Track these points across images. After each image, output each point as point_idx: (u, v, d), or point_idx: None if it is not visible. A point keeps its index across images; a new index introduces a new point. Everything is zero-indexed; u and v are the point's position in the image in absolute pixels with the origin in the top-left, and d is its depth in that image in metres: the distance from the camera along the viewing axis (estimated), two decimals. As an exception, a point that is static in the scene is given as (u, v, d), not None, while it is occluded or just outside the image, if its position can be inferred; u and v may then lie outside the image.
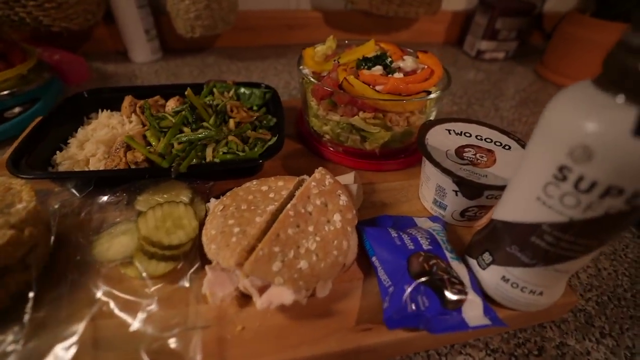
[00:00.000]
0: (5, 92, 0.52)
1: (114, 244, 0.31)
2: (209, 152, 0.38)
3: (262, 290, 0.28)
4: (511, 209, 0.24)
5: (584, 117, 0.17)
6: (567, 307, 0.32)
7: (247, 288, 0.28)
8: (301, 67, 0.43)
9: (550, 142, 0.19)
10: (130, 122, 0.44)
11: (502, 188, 0.31)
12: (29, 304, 0.27)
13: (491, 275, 0.27)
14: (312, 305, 0.29)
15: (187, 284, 0.29)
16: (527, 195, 0.22)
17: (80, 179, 0.35)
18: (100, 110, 0.47)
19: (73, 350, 0.24)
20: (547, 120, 0.20)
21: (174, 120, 0.40)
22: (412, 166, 0.44)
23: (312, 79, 0.41)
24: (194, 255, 0.31)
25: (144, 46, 0.76)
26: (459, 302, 0.27)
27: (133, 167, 0.37)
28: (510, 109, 0.72)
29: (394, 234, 0.31)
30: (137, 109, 0.44)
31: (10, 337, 0.26)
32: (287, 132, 0.50)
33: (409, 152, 0.44)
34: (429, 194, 0.36)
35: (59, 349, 0.24)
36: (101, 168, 0.38)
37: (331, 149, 0.44)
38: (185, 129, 0.40)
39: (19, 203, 0.31)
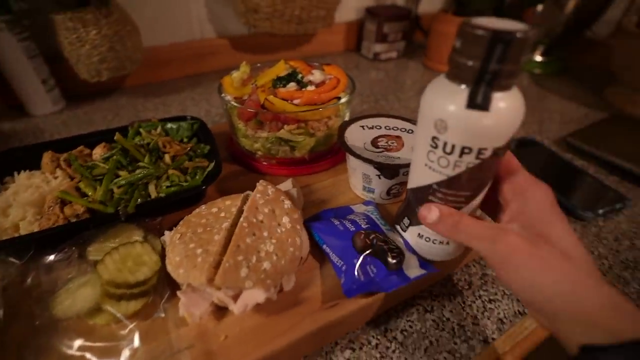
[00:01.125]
0: None
1: (77, 298, 0.31)
2: (152, 189, 0.39)
3: (235, 298, 0.31)
4: (413, 178, 0.30)
5: (439, 99, 0.23)
6: (479, 245, 0.41)
7: (221, 299, 0.30)
8: (222, 94, 0.47)
9: (424, 120, 0.25)
10: (56, 177, 0.43)
11: (411, 164, 0.39)
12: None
13: (411, 235, 0.34)
14: (283, 299, 0.33)
15: (162, 314, 0.31)
16: (419, 164, 0.28)
17: (19, 246, 0.34)
18: (16, 173, 0.44)
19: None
20: (421, 104, 0.26)
21: (107, 167, 0.40)
22: (339, 163, 0.50)
23: (235, 104, 0.44)
24: (162, 286, 0.33)
25: (43, 97, 0.71)
26: (399, 263, 0.33)
27: (74, 220, 0.37)
28: (410, 98, 0.84)
29: (336, 222, 0.36)
30: (62, 163, 0.43)
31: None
32: (222, 154, 0.53)
33: (333, 152, 0.50)
34: (358, 183, 0.43)
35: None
36: (36, 230, 0.37)
37: (265, 163, 0.49)
38: (122, 173, 0.40)
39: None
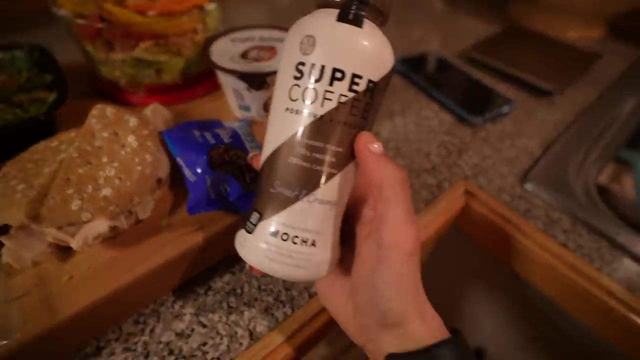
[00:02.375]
0: None
1: None
2: (-32, 129, 0.32)
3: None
4: (268, 141, 0.22)
5: (307, 19, 0.21)
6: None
7: (57, 237, 0.26)
8: (55, 9, 0.38)
9: (288, 49, 0.21)
10: None
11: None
12: None
13: (260, 237, 0.22)
14: (141, 229, 0.29)
15: (-16, 266, 0.26)
16: (278, 114, 0.21)
17: None
18: None
19: None
20: (285, 39, 0.22)
21: None
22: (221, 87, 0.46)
23: (70, 18, 0.37)
24: (-16, 235, 0.27)
25: None
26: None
27: None
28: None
29: (197, 133, 0.32)
30: None
31: None
32: (84, 92, 0.45)
33: (213, 73, 0.45)
34: (233, 102, 0.39)
35: None
36: None
37: (133, 93, 0.42)
38: None
39: None
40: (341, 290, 0.25)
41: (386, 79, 0.21)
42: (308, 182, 0.21)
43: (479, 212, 0.43)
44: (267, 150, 0.22)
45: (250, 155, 0.25)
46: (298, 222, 0.21)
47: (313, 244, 0.21)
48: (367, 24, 0.20)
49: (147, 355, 0.28)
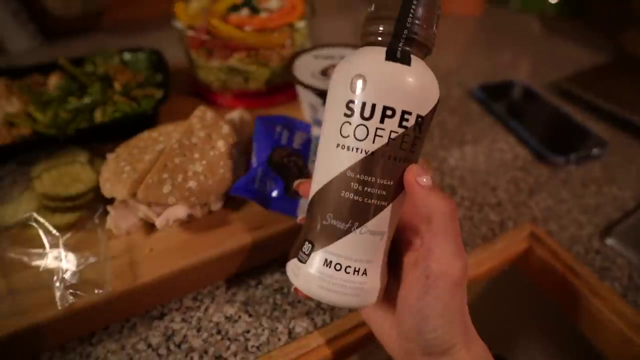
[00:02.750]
0: None
1: (16, 208, 0.33)
2: (98, 114, 0.39)
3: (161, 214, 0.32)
4: (320, 174, 0.23)
5: (355, 58, 0.21)
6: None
7: (146, 214, 0.32)
8: (173, 21, 0.45)
9: (337, 88, 0.21)
10: (12, 105, 0.43)
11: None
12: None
13: (313, 267, 0.23)
14: (211, 219, 0.34)
15: (94, 228, 0.33)
16: (329, 149, 0.22)
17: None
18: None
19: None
20: (332, 78, 0.23)
21: (55, 93, 0.41)
22: (298, 97, 0.49)
23: (183, 30, 0.43)
24: (97, 202, 0.34)
25: (18, 32, 0.71)
26: (299, 195, 0.33)
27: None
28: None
29: (278, 129, 0.36)
30: (17, 90, 0.44)
31: None
32: (184, 90, 0.52)
33: (293, 85, 0.49)
34: (307, 114, 0.42)
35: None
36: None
37: (222, 96, 0.48)
38: (71, 99, 0.41)
39: None
40: (385, 314, 0.25)
41: (432, 111, 0.21)
42: (360, 215, 0.22)
43: (543, 259, 0.40)
44: (318, 184, 0.23)
45: (297, 182, 0.27)
46: (350, 252, 0.22)
47: (364, 273, 0.22)
48: (414, 59, 0.20)
49: (199, 330, 0.31)
